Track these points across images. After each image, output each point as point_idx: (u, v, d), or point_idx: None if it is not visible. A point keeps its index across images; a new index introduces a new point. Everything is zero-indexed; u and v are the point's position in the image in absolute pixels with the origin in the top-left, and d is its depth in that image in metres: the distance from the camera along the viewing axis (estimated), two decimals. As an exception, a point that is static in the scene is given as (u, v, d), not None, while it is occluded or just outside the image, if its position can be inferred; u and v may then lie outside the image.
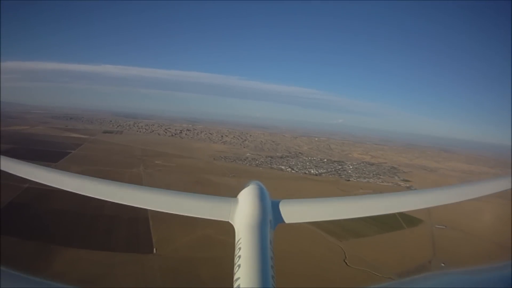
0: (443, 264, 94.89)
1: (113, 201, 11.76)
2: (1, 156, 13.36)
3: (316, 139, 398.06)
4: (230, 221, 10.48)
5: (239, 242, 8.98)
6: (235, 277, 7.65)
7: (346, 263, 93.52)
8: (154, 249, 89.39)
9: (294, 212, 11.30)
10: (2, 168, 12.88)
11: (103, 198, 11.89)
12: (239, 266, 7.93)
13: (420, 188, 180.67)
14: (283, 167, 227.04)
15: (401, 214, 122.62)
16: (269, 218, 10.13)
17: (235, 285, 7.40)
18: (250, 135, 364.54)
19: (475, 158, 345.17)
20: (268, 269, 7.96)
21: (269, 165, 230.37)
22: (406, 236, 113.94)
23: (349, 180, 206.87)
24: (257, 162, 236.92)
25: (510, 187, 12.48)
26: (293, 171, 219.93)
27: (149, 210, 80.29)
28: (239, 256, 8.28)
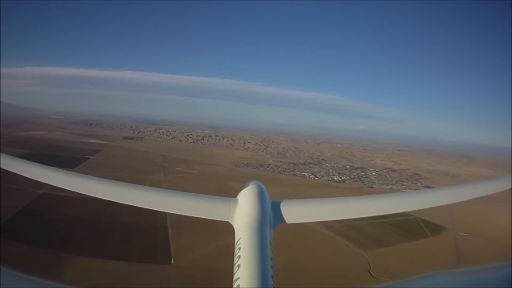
0: None
1: (114, 200, 11.64)
2: (1, 154, 13.19)
3: (339, 145, 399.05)
4: (230, 221, 10.51)
5: (238, 242, 8.92)
6: (235, 277, 7.56)
7: (370, 274, 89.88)
8: (172, 260, 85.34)
9: (294, 212, 11.24)
10: (2, 167, 12.73)
11: (103, 198, 11.71)
12: (238, 266, 7.84)
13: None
14: (306, 174, 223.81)
15: (424, 221, 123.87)
16: (268, 218, 10.10)
17: (235, 285, 7.30)
18: (273, 142, 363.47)
19: (494, 163, 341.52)
20: (268, 269, 7.83)
21: (292, 172, 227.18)
22: (430, 244, 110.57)
23: (372, 187, 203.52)
24: (279, 169, 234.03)
25: (510, 187, 12.50)
26: (316, 178, 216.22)
27: (168, 217, 78.41)
28: (239, 256, 8.19)
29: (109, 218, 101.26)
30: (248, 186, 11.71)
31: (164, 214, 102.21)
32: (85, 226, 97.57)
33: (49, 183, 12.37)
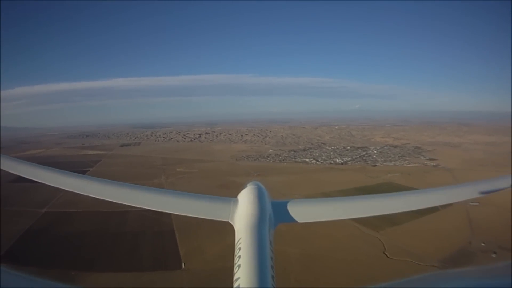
0: (483, 244, 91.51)
1: (114, 201, 11.58)
2: (1, 155, 13.22)
3: (337, 127, 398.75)
4: (230, 221, 10.53)
5: (239, 242, 8.94)
6: (235, 277, 7.59)
7: (386, 255, 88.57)
8: (183, 264, 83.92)
9: (294, 212, 11.20)
10: (2, 168, 12.69)
11: (103, 198, 11.62)
12: (239, 266, 7.87)
13: (448, 166, 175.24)
14: (307, 160, 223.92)
15: None
16: (268, 218, 10.07)
17: (235, 285, 7.34)
18: (270, 131, 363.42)
19: (495, 129, 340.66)
20: (268, 269, 7.86)
21: (293, 159, 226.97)
22: (441, 218, 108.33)
23: (375, 166, 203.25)
24: (280, 157, 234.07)
25: (510, 187, 12.41)
26: (318, 163, 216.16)
27: (174, 222, 77.00)
28: (239, 256, 8.23)
29: (114, 229, 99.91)
30: (247, 186, 11.60)
31: (169, 219, 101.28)
32: (90, 240, 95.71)
33: (49, 184, 12.26)
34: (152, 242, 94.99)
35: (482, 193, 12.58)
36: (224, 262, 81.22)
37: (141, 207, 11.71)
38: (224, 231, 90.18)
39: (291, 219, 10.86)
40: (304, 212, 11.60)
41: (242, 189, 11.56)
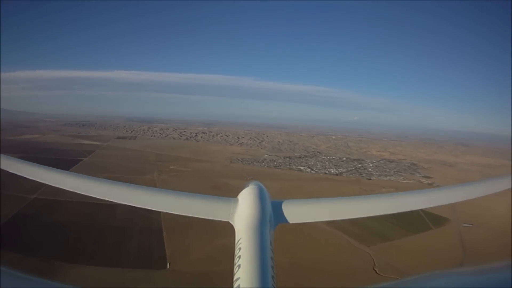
0: None
1: (113, 201, 11.90)
2: (1, 155, 13.26)
3: (334, 137, 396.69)
4: (230, 221, 10.45)
5: (239, 242, 8.94)
6: (235, 277, 7.61)
7: (375, 271, 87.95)
8: (168, 264, 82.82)
9: (294, 212, 11.16)
10: (2, 167, 12.69)
11: (103, 198, 11.76)
12: (239, 266, 7.90)
13: (443, 184, 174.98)
14: (302, 168, 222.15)
15: (426, 213, 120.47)
16: (269, 218, 10.10)
17: (235, 285, 7.38)
18: (267, 136, 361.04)
19: (492, 151, 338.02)
20: (268, 269, 7.91)
21: (288, 166, 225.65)
22: (434, 237, 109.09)
23: (370, 179, 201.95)
24: (275, 163, 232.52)
25: (510, 187, 12.55)
26: (312, 172, 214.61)
27: (163, 220, 76.10)
28: (239, 256, 8.24)
29: (102, 222, 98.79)
30: (248, 186, 11.67)
31: (158, 216, 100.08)
32: (77, 231, 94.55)
33: (48, 184, 12.31)
34: (139, 238, 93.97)
35: (482, 193, 12.83)
36: (211, 265, 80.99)
37: (142, 207, 11.81)
38: (213, 233, 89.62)
39: (291, 219, 10.89)
40: (304, 212, 11.73)
41: (242, 189, 11.58)
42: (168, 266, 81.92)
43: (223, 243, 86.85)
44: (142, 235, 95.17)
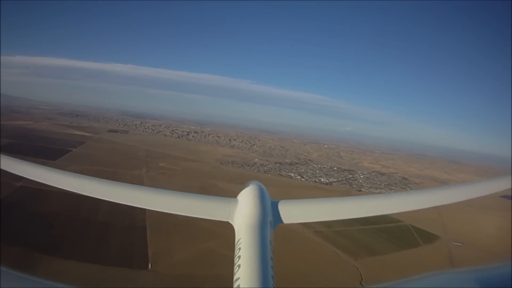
0: None
1: (113, 201, 11.25)
2: (1, 155, 12.83)
3: (326, 146, 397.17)
4: (230, 221, 10.37)
5: (239, 242, 8.95)
6: (235, 277, 7.60)
7: (362, 285, 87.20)
8: (149, 264, 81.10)
9: (294, 212, 11.13)
10: (2, 167, 12.34)
11: (102, 198, 11.39)
12: (239, 266, 7.91)
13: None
14: (292, 174, 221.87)
15: (416, 228, 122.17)
16: (269, 218, 10.02)
17: (235, 285, 7.37)
18: (259, 140, 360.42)
19: (484, 171, 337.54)
20: (268, 269, 7.93)
21: (278, 172, 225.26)
22: (423, 254, 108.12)
23: (360, 191, 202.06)
24: (265, 168, 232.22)
25: (510, 187, 12.23)
26: (302, 179, 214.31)
27: (148, 218, 74.54)
28: (239, 257, 8.25)
29: (86, 215, 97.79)
30: (248, 186, 11.41)
31: (143, 213, 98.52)
32: (59, 223, 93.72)
33: (49, 184, 11.88)
34: (122, 236, 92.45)
35: (482, 193, 12.43)
36: (193, 269, 79.27)
37: (142, 207, 11.72)
38: (197, 236, 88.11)
39: (291, 219, 10.77)
40: (304, 212, 11.60)
41: (242, 189, 11.36)
42: (149, 267, 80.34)
43: (207, 246, 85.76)
44: (125, 232, 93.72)
